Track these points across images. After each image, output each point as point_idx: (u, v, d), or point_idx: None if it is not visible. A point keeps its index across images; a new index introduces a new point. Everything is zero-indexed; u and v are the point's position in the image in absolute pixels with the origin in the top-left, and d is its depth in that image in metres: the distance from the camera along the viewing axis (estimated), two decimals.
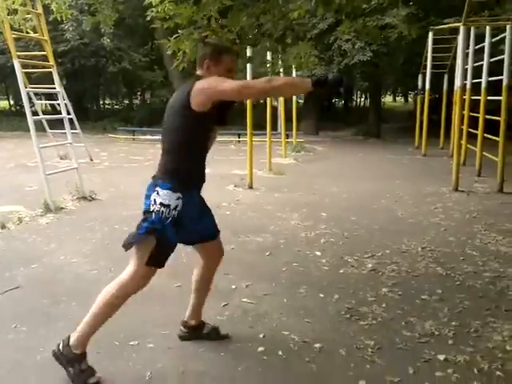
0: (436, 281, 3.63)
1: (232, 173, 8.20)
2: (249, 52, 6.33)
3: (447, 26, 9.92)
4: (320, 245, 4.48)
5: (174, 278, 3.51)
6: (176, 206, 2.26)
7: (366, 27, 4.11)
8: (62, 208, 5.61)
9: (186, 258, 3.64)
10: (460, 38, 7.20)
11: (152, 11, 3.90)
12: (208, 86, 2.18)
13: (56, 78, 6.25)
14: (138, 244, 2.26)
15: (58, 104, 6.23)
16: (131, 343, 2.68)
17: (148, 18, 4.10)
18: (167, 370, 2.44)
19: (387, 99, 37.00)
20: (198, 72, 2.37)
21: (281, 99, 14.91)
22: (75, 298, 3.23)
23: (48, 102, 9.22)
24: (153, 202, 2.26)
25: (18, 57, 5.38)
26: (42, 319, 2.95)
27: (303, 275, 3.74)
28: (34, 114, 6.73)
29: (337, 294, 3.37)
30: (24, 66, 7.18)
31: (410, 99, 33.11)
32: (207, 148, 2.45)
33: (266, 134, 13.02)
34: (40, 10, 5.55)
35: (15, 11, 3.58)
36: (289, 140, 13.27)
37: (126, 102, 23.14)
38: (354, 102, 34.61)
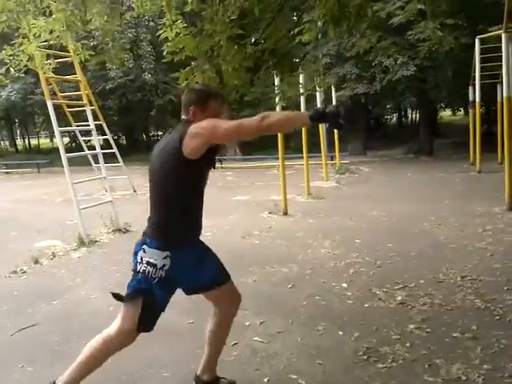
0: (472, 315, 3.27)
1: (269, 199, 8.06)
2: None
3: (491, 34, 9.40)
4: (348, 275, 4.22)
5: (187, 313, 3.40)
6: (163, 266, 2.12)
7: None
8: (96, 241, 5.71)
9: None
10: (503, 47, 6.76)
11: (168, 45, 3.92)
12: (203, 130, 2.03)
13: (89, 115, 6.48)
14: (126, 303, 2.16)
15: (106, 139, 6.49)
16: None
17: (165, 53, 4.13)
18: None
19: (445, 113, 35.65)
20: (185, 117, 2.20)
21: None
22: (86, 336, 3.15)
23: (87, 138, 9.56)
24: (139, 261, 2.15)
25: (53, 98, 5.64)
26: (48, 359, 2.92)
27: (324, 310, 3.50)
28: (90, 148, 6.97)
29: (357, 331, 3.11)
30: (68, 106, 7.56)
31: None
32: (201, 195, 2.25)
33: (310, 157, 13.00)
34: (72, 53, 5.81)
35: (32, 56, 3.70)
36: (333, 162, 13.05)
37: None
38: (409, 118, 33.65)
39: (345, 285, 3.98)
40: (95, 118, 7.43)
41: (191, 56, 3.76)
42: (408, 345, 2.89)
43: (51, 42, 3.47)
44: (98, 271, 4.64)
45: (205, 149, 2.06)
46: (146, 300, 2.11)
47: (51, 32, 3.17)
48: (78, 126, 7.77)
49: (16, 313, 3.67)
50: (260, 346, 2.99)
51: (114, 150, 7.04)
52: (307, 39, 3.76)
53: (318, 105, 10.60)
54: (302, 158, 13.19)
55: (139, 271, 2.13)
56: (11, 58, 3.80)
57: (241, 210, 7.58)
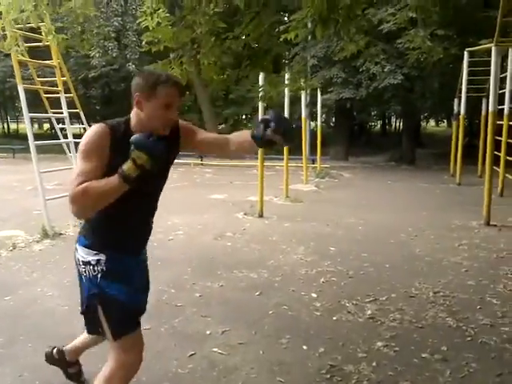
0: (443, 335, 3.15)
1: (246, 199, 7.89)
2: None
3: (481, 47, 9.38)
4: (318, 285, 4.07)
5: (145, 318, 3.19)
6: (98, 261, 1.86)
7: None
8: (61, 234, 5.46)
9: (152, 298, 3.34)
10: (492, 60, 6.71)
11: (146, 35, 3.71)
12: (79, 150, 1.76)
13: (63, 103, 6.20)
14: (91, 322, 1.94)
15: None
16: None
17: (143, 43, 3.92)
18: None
19: (429, 124, 35.99)
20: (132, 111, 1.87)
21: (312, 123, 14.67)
22: (33, 338, 2.98)
23: (65, 126, 9.20)
24: (77, 262, 1.91)
25: (24, 82, 5.35)
26: None
27: (290, 321, 3.34)
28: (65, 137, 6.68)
29: (323, 346, 2.96)
30: (46, 92, 7.26)
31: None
32: (133, 205, 1.85)
33: (291, 159, 12.87)
34: (50, 37, 5.54)
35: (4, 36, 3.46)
36: (314, 165, 12.95)
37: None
38: (393, 126, 33.87)
39: (314, 295, 3.83)
40: (74, 105, 7.16)
41: (171, 47, 3.56)
42: (374, 364, 2.75)
43: (19, 22, 3.22)
44: (59, 266, 4.39)
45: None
46: (103, 302, 1.85)
47: (22, 11, 2.93)
48: (54, 113, 7.46)
49: None
50: (219, 358, 2.81)
51: None
52: (292, 38, 3.60)
53: (303, 107, 10.45)
54: (283, 159, 13.15)
55: (81, 274, 1.90)
56: None
57: (216, 209, 7.39)
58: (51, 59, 6.39)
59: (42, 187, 5.40)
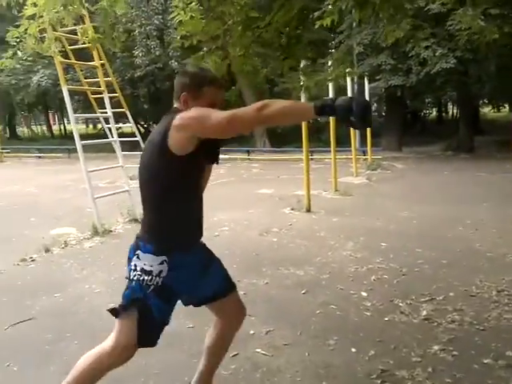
0: (508, 338, 2.87)
1: (293, 193, 7.71)
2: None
3: None
4: (369, 283, 3.87)
5: (189, 316, 3.15)
6: (160, 272, 1.85)
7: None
8: (110, 231, 5.55)
9: None
10: None
11: (180, 29, 3.65)
12: (189, 121, 1.73)
13: (107, 102, 6.30)
14: (120, 316, 1.90)
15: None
16: None
17: (178, 37, 3.86)
18: None
19: (489, 109, 34.07)
20: (176, 105, 1.92)
21: None
22: (79, 336, 3.00)
23: (117, 125, 9.41)
24: (133, 268, 1.89)
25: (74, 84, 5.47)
26: (36, 359, 2.74)
27: (338, 321, 3.18)
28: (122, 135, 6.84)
29: (373, 349, 2.78)
30: (93, 93, 7.43)
31: None
32: (198, 194, 1.98)
33: (340, 151, 12.55)
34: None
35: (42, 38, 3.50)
36: (365, 157, 12.59)
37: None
38: (450, 113, 32.36)
39: (364, 293, 3.64)
40: (120, 105, 7.28)
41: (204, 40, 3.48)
42: (430, 370, 2.54)
43: (53, 24, 3.23)
44: (107, 263, 4.45)
45: (194, 143, 1.76)
46: (142, 311, 1.85)
47: (54, 10, 2.94)
48: (101, 113, 7.63)
49: (15, 305, 3.52)
50: (262, 359, 2.71)
51: (138, 138, 6.85)
52: (328, 24, 3.41)
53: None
54: (338, 150, 12.82)
55: (133, 279, 1.87)
56: (17, 40, 3.59)
57: (262, 204, 7.29)
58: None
59: (90, 186, 5.51)
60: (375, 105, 26.06)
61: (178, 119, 1.75)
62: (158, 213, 1.91)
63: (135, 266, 1.88)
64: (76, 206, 7.22)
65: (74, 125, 5.46)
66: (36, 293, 3.73)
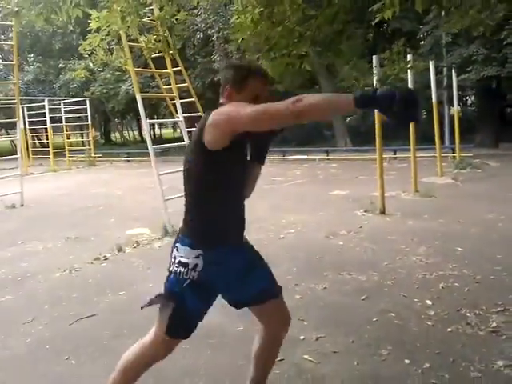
0: None
1: (369, 195, 7.43)
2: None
3: None
4: (436, 291, 3.60)
5: (238, 318, 3.14)
6: (195, 266, 1.86)
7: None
8: None
9: None
10: None
11: (232, 32, 3.68)
12: (222, 116, 1.74)
13: (178, 108, 6.53)
14: (159, 307, 1.96)
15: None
16: None
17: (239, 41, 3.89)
18: None
19: None
20: (221, 101, 1.92)
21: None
22: (136, 333, 3.06)
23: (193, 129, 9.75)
24: (173, 260, 1.93)
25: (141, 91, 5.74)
26: (93, 353, 2.89)
27: (395, 331, 3.00)
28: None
29: (429, 361, 2.58)
30: (170, 99, 7.76)
31: None
32: (238, 192, 1.96)
33: (425, 149, 11.90)
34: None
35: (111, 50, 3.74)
36: (453, 155, 11.85)
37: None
38: None
39: (429, 302, 3.40)
40: (196, 109, 7.54)
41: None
42: None
43: (108, 34, 3.42)
44: None
45: (228, 138, 1.76)
46: (177, 305, 1.89)
47: (110, 24, 3.11)
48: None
49: (82, 301, 3.75)
50: (309, 366, 2.63)
51: None
52: (390, 17, 3.25)
53: (433, 90, 9.56)
54: (419, 149, 12.18)
55: (171, 271, 1.92)
56: (89, 52, 3.85)
57: (334, 205, 7.11)
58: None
59: (161, 187, 5.74)
60: (469, 98, 24.39)
61: (213, 115, 1.77)
62: (196, 208, 1.93)
63: (174, 257, 1.92)
64: (152, 207, 7.54)
65: (147, 130, 5.75)
66: (103, 290, 3.96)
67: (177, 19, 3.83)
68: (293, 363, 2.66)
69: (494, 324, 2.98)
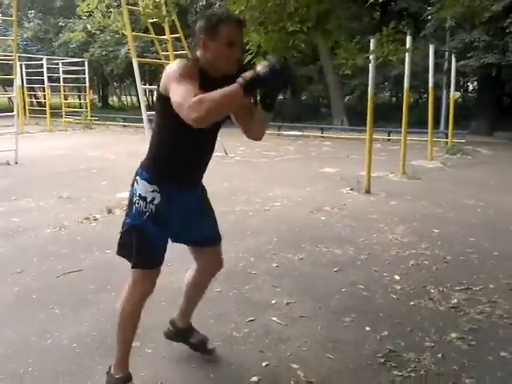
0: None
1: (357, 174, 7.58)
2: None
3: None
4: (406, 267, 3.80)
5: (217, 281, 3.33)
6: (152, 199, 2.01)
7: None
8: None
9: (227, 262, 3.44)
10: None
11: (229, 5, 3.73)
12: (167, 76, 1.86)
13: None
14: (123, 244, 2.12)
15: None
16: (133, 344, 2.59)
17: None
18: (149, 380, 2.29)
19: None
20: (198, 52, 1.98)
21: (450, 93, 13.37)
22: (118, 289, 3.25)
23: None
24: (134, 192, 2.06)
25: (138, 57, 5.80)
26: (76, 305, 3.07)
27: (361, 301, 3.19)
28: None
29: (388, 330, 2.78)
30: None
31: None
32: (198, 139, 2.02)
33: (418, 133, 12.01)
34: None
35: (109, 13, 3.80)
36: (445, 140, 11.99)
37: (280, 97, 23.32)
38: None
39: (397, 277, 3.59)
40: None
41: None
42: (439, 356, 2.51)
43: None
44: None
45: None
46: (140, 234, 2.03)
47: None
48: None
49: (70, 257, 3.92)
50: (276, 327, 2.82)
51: None
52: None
53: (430, 76, 9.61)
54: (415, 132, 12.28)
55: (134, 203, 2.05)
56: (87, 14, 3.91)
57: (321, 183, 7.26)
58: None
59: None
60: (470, 84, 24.31)
61: (167, 68, 1.92)
62: (154, 147, 2.09)
63: (135, 190, 2.05)
64: None
65: (142, 96, 5.80)
66: (90, 248, 4.13)
67: None
68: (261, 324, 2.85)
69: (455, 301, 3.18)
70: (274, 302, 3.14)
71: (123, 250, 2.14)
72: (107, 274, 3.57)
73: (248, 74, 1.67)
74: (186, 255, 2.39)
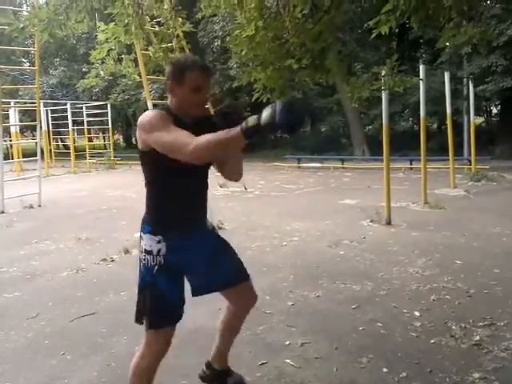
0: None
1: (378, 205, 7.46)
2: None
3: None
4: (427, 303, 3.65)
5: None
6: (159, 251, 1.99)
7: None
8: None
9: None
10: None
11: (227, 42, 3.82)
12: (141, 125, 1.91)
13: None
14: (138, 309, 2.07)
15: None
16: None
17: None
18: None
19: None
20: (168, 98, 2.05)
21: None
22: (130, 331, 3.25)
23: None
24: (140, 249, 2.06)
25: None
26: (88, 350, 3.04)
27: (379, 340, 3.07)
28: None
29: (406, 371, 2.65)
30: None
31: None
32: (187, 186, 2.03)
33: (441, 160, 11.84)
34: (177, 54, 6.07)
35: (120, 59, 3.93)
36: (468, 166, 11.76)
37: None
38: None
39: (417, 313, 3.45)
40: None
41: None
42: None
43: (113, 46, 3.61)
44: None
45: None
46: (151, 291, 2.00)
47: (115, 37, 3.30)
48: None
49: (85, 300, 3.92)
50: (289, 370, 2.72)
51: None
52: (387, 32, 3.34)
53: (447, 103, 9.52)
54: (438, 160, 12.10)
55: (141, 260, 2.04)
56: (99, 61, 4.05)
57: (341, 215, 7.17)
58: None
59: None
60: (494, 108, 24.01)
61: (139, 119, 1.94)
62: (148, 198, 2.09)
63: (141, 247, 2.04)
64: None
65: None
66: (106, 290, 4.12)
67: (183, 31, 4.00)
68: (274, 367, 2.75)
69: (478, 337, 3.03)
70: (288, 342, 3.05)
71: (138, 314, 2.08)
72: (120, 317, 3.54)
73: (251, 119, 1.66)
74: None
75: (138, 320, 2.08)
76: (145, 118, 1.92)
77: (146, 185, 2.09)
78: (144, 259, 2.02)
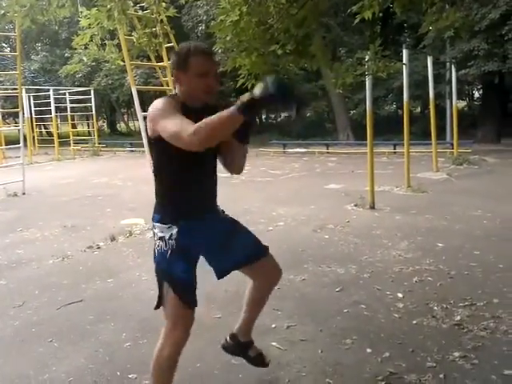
0: None
1: (363, 189, 7.54)
2: None
3: None
4: (409, 284, 3.74)
5: (217, 307, 3.34)
6: (170, 236, 2.00)
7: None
8: None
9: (230, 286, 3.42)
10: None
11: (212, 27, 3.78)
12: (151, 115, 1.91)
13: None
14: (160, 290, 2.06)
15: None
16: (130, 376, 2.58)
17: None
18: None
19: None
20: (175, 88, 2.05)
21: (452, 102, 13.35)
22: (117, 319, 3.30)
23: None
24: (154, 237, 2.07)
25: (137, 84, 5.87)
26: (76, 337, 3.07)
27: (363, 321, 3.14)
28: None
29: (389, 351, 2.73)
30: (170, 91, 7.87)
31: None
32: (196, 173, 2.03)
33: (424, 144, 11.96)
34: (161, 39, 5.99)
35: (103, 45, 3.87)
36: (450, 150, 11.92)
37: (284, 115, 23.69)
38: None
39: (400, 295, 3.54)
40: None
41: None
42: (441, 376, 2.46)
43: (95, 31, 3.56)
44: None
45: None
46: (170, 280, 2.00)
47: (98, 23, 3.25)
48: None
49: (72, 287, 3.93)
50: (275, 352, 2.78)
51: None
52: (370, 17, 3.35)
53: (430, 87, 9.60)
54: (421, 144, 12.22)
55: (155, 249, 2.06)
56: (82, 47, 3.99)
57: (326, 199, 7.24)
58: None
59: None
60: (476, 92, 24.23)
61: (149, 112, 1.93)
62: (157, 187, 2.10)
63: (155, 234, 2.06)
64: (151, 198, 7.71)
65: (142, 122, 5.84)
66: (92, 277, 4.13)
67: (167, 16, 3.96)
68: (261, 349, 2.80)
69: (459, 317, 3.12)
70: (274, 326, 3.11)
71: (158, 299, 2.08)
72: (107, 304, 3.57)
73: (245, 96, 1.67)
74: None
75: (158, 306, 2.09)
76: (153, 106, 1.93)
77: (154, 175, 2.10)
78: (158, 245, 2.04)
